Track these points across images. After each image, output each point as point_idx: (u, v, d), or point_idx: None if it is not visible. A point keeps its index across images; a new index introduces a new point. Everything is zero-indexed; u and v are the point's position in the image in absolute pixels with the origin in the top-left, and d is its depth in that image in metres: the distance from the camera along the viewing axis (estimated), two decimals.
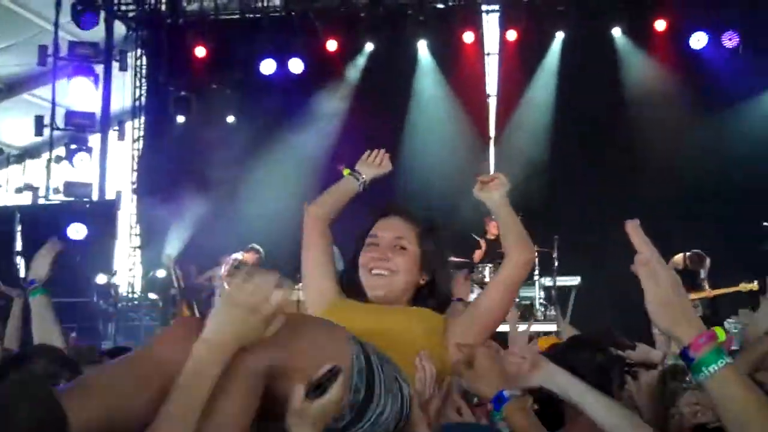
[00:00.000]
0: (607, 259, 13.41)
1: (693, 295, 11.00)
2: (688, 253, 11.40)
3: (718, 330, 1.81)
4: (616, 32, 14.82)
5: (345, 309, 2.86)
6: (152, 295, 14.64)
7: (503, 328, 2.97)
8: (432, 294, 2.94)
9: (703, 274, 11.51)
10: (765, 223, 12.08)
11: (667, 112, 14.36)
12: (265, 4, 15.67)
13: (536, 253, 12.38)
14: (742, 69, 14.19)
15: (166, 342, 2.11)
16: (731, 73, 14.18)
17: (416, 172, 14.50)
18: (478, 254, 13.12)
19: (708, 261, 11.55)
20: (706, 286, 11.49)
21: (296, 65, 15.18)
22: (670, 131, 14.18)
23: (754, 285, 11.03)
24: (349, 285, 3.01)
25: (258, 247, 12.52)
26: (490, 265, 12.66)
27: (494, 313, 2.88)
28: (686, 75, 14.52)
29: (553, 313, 12.50)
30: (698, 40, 14.36)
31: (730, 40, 14.21)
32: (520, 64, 15.35)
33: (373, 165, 3.48)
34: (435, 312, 2.87)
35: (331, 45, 15.24)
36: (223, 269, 12.31)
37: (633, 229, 1.88)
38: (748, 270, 11.24)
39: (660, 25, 14.46)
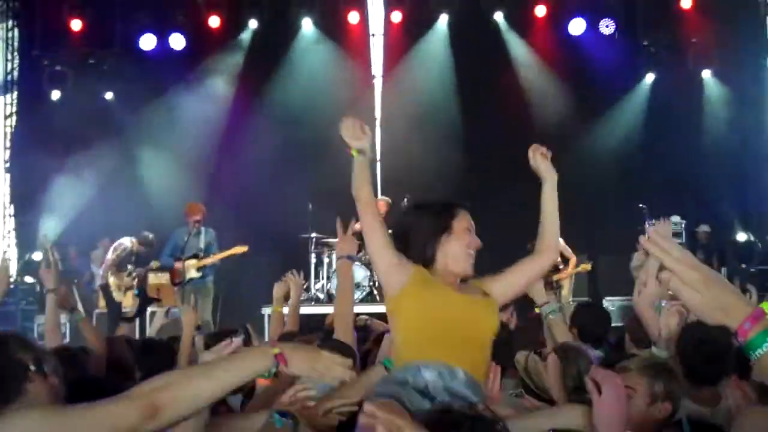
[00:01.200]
0: (492, 245, 13.75)
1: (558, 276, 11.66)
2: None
3: (765, 305, 1.77)
4: (499, 17, 15.00)
5: (439, 293, 3.33)
6: (29, 279, 14.17)
7: None
8: None
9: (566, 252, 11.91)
10: (641, 205, 12.59)
11: (547, 98, 14.67)
12: None
13: None
14: (618, 55, 14.64)
15: None
16: (608, 59, 14.61)
17: (303, 153, 14.51)
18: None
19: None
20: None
21: (177, 41, 14.84)
22: (551, 116, 14.50)
23: (587, 266, 11.96)
24: (426, 261, 3.44)
25: (148, 234, 12.25)
26: None
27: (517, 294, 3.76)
28: (565, 61, 14.85)
29: None
30: (576, 27, 14.65)
31: (607, 27, 14.57)
32: (405, 44, 15.40)
33: (359, 136, 3.63)
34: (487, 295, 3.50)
35: (214, 21, 14.96)
36: (110, 253, 12.04)
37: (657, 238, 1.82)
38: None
39: (540, 10, 14.71)
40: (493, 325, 3.38)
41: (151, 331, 6.73)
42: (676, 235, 12.49)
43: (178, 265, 11.24)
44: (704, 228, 13.10)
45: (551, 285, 11.74)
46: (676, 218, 13.03)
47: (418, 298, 3.28)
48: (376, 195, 13.65)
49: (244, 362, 2.32)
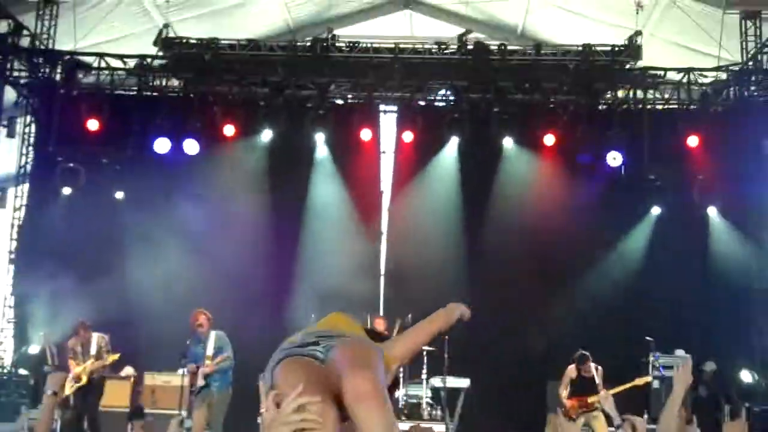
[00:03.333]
0: (495, 363, 13.69)
1: (593, 398, 11.58)
2: (576, 357, 11.77)
3: None
4: (508, 142, 15.28)
5: None
6: (23, 371, 13.95)
7: None
8: None
9: (597, 378, 11.85)
10: (648, 338, 12.61)
11: (556, 223, 14.80)
12: (164, 83, 15.59)
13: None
14: (624, 187, 14.87)
15: None
16: (614, 190, 14.83)
17: (310, 263, 14.62)
18: None
19: (597, 366, 11.94)
20: (602, 388, 11.84)
21: (191, 146, 15.01)
22: (559, 241, 14.61)
23: (648, 378, 11.93)
24: None
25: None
26: None
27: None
28: (571, 189, 15.06)
29: (439, 413, 12.51)
30: (584, 157, 14.90)
31: (614, 159, 14.82)
32: (415, 163, 15.67)
33: None
34: None
35: (228, 130, 15.20)
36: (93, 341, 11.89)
37: None
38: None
39: (548, 139, 15.01)
40: None
41: None
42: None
43: (192, 377, 11.10)
44: (711, 366, 13.00)
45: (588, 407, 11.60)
46: (680, 352, 12.98)
47: None
48: (377, 312, 13.79)
49: None
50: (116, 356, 11.52)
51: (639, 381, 11.74)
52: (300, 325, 13.11)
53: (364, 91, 15.62)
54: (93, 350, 11.73)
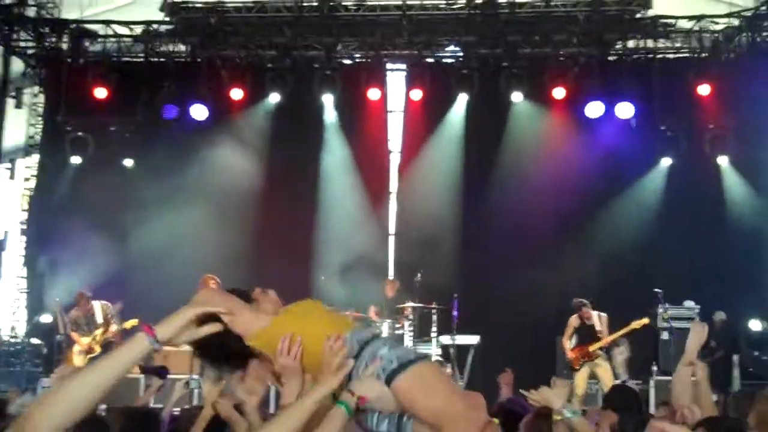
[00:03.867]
0: (505, 320, 13.70)
1: (594, 346, 11.79)
2: (575, 303, 11.82)
3: None
4: (517, 97, 15.10)
5: None
6: (36, 341, 14.14)
7: None
8: None
9: (599, 326, 11.97)
10: (656, 290, 12.54)
11: (567, 177, 14.69)
12: (171, 49, 15.56)
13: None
14: (634, 138, 14.69)
15: None
16: (625, 142, 14.66)
17: (320, 225, 14.67)
18: (373, 311, 13.23)
19: (600, 314, 11.94)
20: (605, 335, 11.83)
21: (199, 111, 14.96)
22: (570, 195, 14.53)
23: (645, 320, 11.82)
24: None
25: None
26: (389, 320, 12.80)
27: None
28: (582, 143, 14.91)
29: (449, 371, 12.54)
30: (594, 109, 14.70)
31: (624, 110, 14.61)
32: (424, 122, 15.58)
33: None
34: None
35: (236, 93, 15.15)
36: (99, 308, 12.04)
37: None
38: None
39: (558, 92, 14.82)
40: None
41: (168, 403, 6.22)
42: (690, 319, 12.35)
43: None
44: (721, 316, 12.92)
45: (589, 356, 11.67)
46: (690, 303, 12.92)
47: None
48: (386, 275, 13.84)
49: (119, 351, 2.40)
50: (135, 322, 11.57)
51: (636, 324, 11.78)
52: (310, 288, 13.24)
53: (372, 49, 15.49)
54: (99, 319, 11.86)
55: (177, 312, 2.53)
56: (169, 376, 10.90)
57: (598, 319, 11.92)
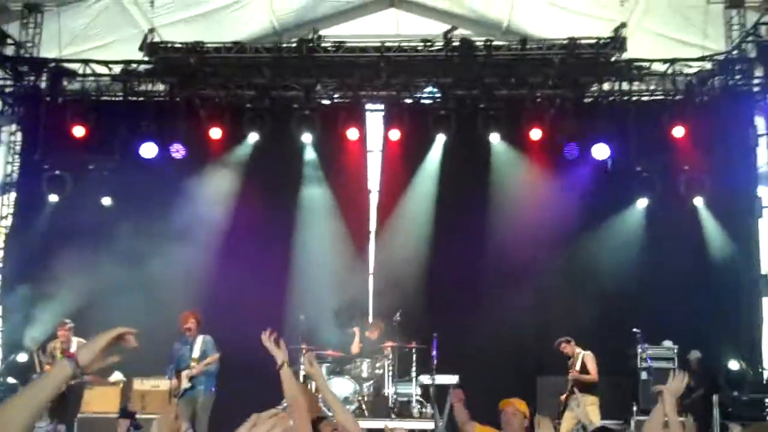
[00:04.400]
0: (485, 359, 13.70)
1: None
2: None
3: None
4: (494, 138, 15.25)
5: None
6: (12, 380, 13.92)
7: None
8: None
9: (577, 364, 12.14)
10: (635, 330, 12.63)
11: (544, 217, 14.81)
12: (149, 88, 15.56)
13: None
14: (611, 179, 14.86)
15: None
16: (601, 182, 14.82)
17: (299, 264, 14.64)
18: (355, 347, 13.23)
19: (581, 352, 12.16)
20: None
21: (177, 150, 14.96)
22: (548, 235, 14.63)
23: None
24: None
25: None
26: (368, 360, 12.79)
27: None
28: (559, 182, 15.04)
29: (429, 411, 12.50)
30: (570, 150, 14.84)
31: (601, 151, 14.77)
32: (402, 161, 15.70)
33: (279, 349, 4.32)
34: None
35: (215, 133, 15.19)
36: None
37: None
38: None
39: (535, 134, 14.98)
40: None
41: None
42: (668, 359, 12.42)
43: (174, 383, 11.14)
44: (696, 354, 13.02)
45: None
46: (668, 343, 13.00)
47: None
48: (367, 319, 13.86)
49: (45, 376, 2.51)
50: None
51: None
52: (290, 326, 13.18)
53: (351, 90, 15.60)
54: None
55: (94, 338, 2.58)
56: (149, 416, 10.83)
57: (578, 357, 11.95)
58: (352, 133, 15.35)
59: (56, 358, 11.86)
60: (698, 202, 14.82)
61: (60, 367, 2.49)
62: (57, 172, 15.03)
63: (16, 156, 15.66)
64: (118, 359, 2.65)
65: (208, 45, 15.09)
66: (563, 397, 12.04)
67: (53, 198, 15.09)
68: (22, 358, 13.48)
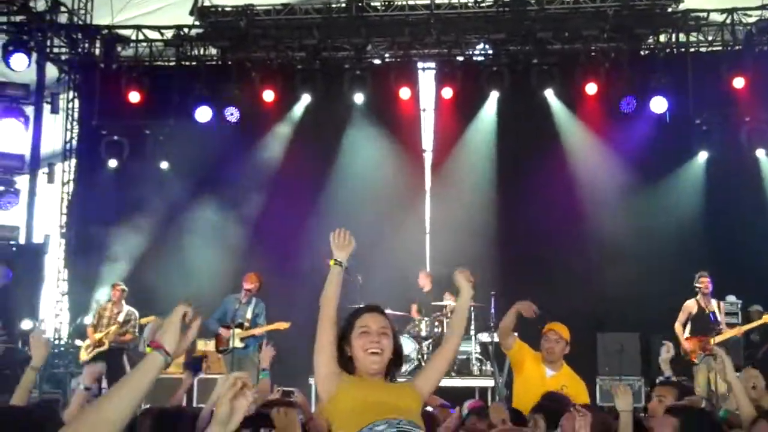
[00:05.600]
0: (545, 314, 13.63)
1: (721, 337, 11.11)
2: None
3: None
4: (549, 94, 15.08)
5: (364, 386, 3.78)
6: (79, 343, 14.26)
7: None
8: (397, 363, 3.97)
9: (719, 315, 11.54)
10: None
11: (599, 173, 14.65)
12: (202, 52, 15.66)
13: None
14: (669, 133, 14.61)
15: None
16: (659, 137, 14.58)
17: (356, 224, 14.56)
18: (414, 309, 13.28)
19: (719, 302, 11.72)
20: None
21: (232, 114, 15.06)
22: (603, 191, 14.48)
23: None
24: (342, 361, 3.88)
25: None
26: (426, 319, 12.83)
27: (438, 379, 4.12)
28: (616, 138, 14.84)
29: (489, 368, 12.53)
30: (627, 104, 14.62)
31: (658, 105, 14.54)
32: (456, 120, 15.57)
33: (344, 246, 4.06)
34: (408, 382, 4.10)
35: (268, 95, 15.22)
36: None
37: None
38: None
39: (590, 88, 14.77)
40: (411, 403, 3.81)
41: (208, 401, 6.33)
42: (732, 314, 12.26)
43: (223, 332, 11.21)
44: (757, 308, 12.81)
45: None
46: (731, 298, 12.80)
47: (345, 398, 3.72)
48: (423, 267, 13.84)
49: (137, 371, 2.47)
50: (151, 318, 11.78)
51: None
52: (348, 289, 13.21)
53: (401, 49, 15.51)
54: (121, 318, 12.00)
55: (165, 324, 2.58)
56: (212, 377, 10.99)
57: (717, 306, 11.50)
58: (404, 92, 15.26)
59: (102, 318, 12.11)
60: (760, 153, 14.54)
61: (152, 360, 2.47)
62: (115, 137, 15.29)
63: (74, 123, 15.88)
64: (194, 335, 2.66)
65: (258, 7, 15.07)
66: (690, 347, 11.33)
67: (112, 163, 15.37)
68: (88, 320, 13.76)
